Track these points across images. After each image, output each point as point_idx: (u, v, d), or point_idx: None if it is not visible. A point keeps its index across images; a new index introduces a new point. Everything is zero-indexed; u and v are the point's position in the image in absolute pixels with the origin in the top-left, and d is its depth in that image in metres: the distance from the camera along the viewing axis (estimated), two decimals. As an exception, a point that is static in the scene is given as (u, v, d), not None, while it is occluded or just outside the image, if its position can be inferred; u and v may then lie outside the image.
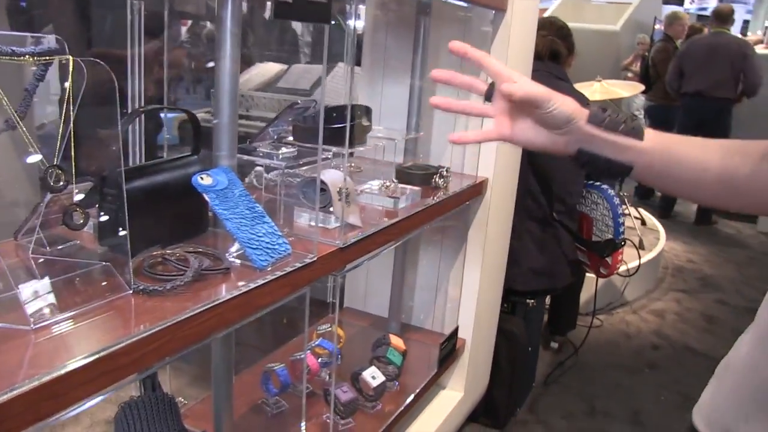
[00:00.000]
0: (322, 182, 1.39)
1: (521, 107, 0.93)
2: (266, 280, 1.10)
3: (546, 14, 8.43)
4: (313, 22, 1.10)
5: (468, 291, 2.20)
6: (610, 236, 2.60)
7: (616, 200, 2.60)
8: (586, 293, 3.41)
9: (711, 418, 0.92)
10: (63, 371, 0.78)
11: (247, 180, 1.74)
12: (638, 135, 0.90)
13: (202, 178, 1.15)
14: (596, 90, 4.10)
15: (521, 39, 2.06)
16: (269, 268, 1.13)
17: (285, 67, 4.58)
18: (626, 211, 4.32)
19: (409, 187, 1.77)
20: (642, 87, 4.66)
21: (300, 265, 1.18)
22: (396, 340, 1.96)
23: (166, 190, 1.19)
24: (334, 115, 1.75)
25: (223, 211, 1.13)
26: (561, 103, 0.90)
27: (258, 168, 1.63)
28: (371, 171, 2.01)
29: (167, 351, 0.93)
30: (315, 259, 1.23)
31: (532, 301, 2.60)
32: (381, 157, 2.06)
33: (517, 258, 2.50)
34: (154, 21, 1.42)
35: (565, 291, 2.86)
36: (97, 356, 0.83)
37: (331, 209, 1.41)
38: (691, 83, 5.69)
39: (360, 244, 1.38)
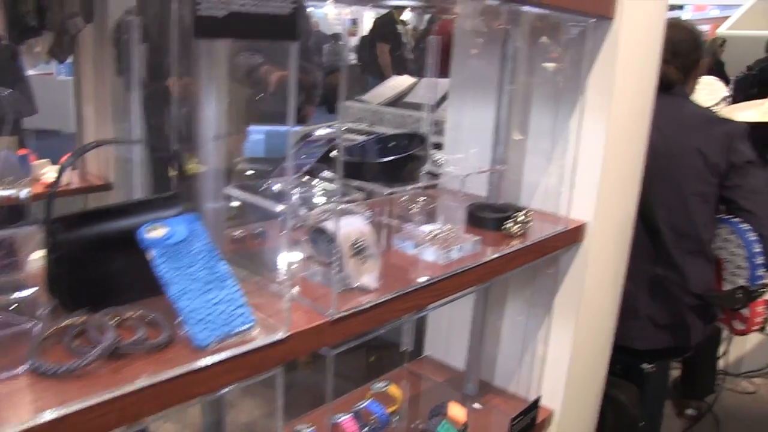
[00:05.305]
0: (327, 232, 1.15)
1: None
2: (200, 366, 0.88)
3: (729, 23, 7.44)
4: (275, 39, 0.87)
5: (556, 354, 1.85)
6: (744, 282, 2.06)
7: (752, 236, 2.00)
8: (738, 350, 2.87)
9: None
10: None
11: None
12: None
13: (151, 230, 0.96)
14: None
15: (636, 57, 1.67)
16: (211, 347, 0.91)
17: (417, 80, 4.36)
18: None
19: (468, 235, 1.48)
20: None
21: (258, 345, 0.95)
22: (456, 411, 1.66)
23: (117, 240, 1.01)
24: (378, 146, 1.51)
25: (166, 273, 0.93)
26: None
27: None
28: (445, 209, 1.73)
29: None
30: (286, 336, 0.99)
31: (651, 365, 2.16)
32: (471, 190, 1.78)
33: (633, 305, 2.06)
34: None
35: (700, 345, 2.35)
36: None
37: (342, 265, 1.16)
38: None
39: (363, 315, 1.12)
